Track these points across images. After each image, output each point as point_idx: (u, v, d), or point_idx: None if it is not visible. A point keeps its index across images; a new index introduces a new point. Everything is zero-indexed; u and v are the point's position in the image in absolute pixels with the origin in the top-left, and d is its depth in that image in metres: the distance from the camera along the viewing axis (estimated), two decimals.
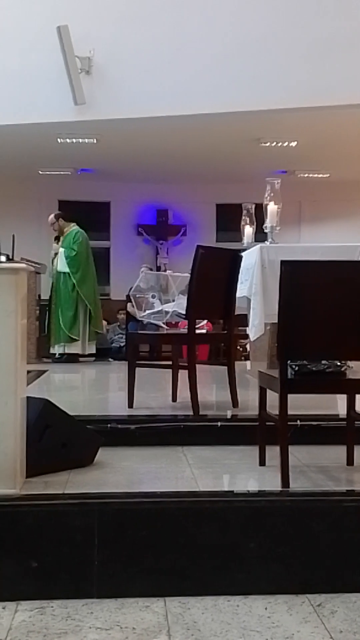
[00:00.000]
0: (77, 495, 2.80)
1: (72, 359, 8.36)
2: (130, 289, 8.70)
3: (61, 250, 8.53)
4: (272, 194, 5.68)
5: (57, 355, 8.43)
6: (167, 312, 6.43)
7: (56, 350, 8.46)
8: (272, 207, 5.64)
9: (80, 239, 8.52)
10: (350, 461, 3.33)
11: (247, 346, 7.88)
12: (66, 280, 8.46)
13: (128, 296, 10.22)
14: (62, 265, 8.48)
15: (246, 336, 7.28)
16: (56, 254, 8.61)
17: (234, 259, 4.50)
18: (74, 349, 8.42)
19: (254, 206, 6.38)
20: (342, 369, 3.09)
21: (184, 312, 4.31)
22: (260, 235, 6.08)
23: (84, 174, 12.14)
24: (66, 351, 8.40)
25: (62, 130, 9.14)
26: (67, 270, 8.43)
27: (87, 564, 2.57)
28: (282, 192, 5.72)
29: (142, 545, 2.60)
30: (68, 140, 9.63)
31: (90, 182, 12.43)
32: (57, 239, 8.77)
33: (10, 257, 2.90)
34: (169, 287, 6.96)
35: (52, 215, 8.83)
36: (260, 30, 7.78)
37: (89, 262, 8.57)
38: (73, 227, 8.63)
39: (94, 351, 8.63)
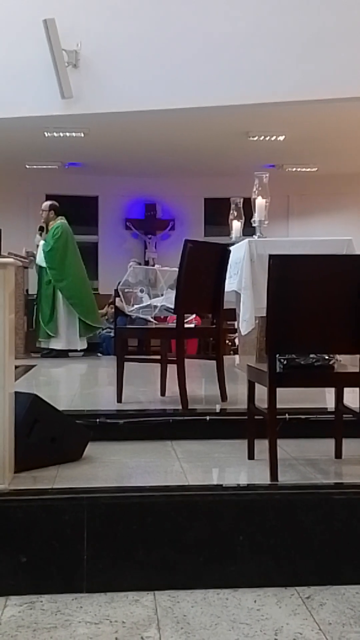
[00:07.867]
0: (66, 490, 2.80)
1: (61, 353, 8.33)
2: (119, 283, 8.67)
3: (41, 243, 8.49)
4: (260, 188, 5.68)
5: (45, 351, 8.40)
6: (155, 307, 6.43)
7: (42, 345, 8.43)
8: (260, 201, 5.64)
9: (59, 233, 8.41)
10: (338, 454, 3.35)
11: (236, 340, 7.88)
12: (43, 274, 8.44)
13: (116, 291, 10.20)
14: (40, 259, 8.46)
15: (235, 330, 7.30)
16: (37, 245, 8.57)
17: (223, 253, 4.50)
18: (57, 344, 8.37)
19: (242, 200, 6.37)
20: (331, 363, 3.10)
21: (172, 307, 4.31)
22: (248, 230, 6.08)
23: (71, 167, 12.10)
24: (49, 346, 8.36)
25: (50, 124, 9.09)
26: (44, 264, 8.40)
27: (76, 558, 2.57)
28: (270, 186, 5.72)
29: (131, 539, 2.60)
30: (55, 134, 9.58)
31: (78, 176, 12.38)
32: (41, 229, 8.70)
33: None
34: (157, 282, 6.95)
35: (47, 203, 8.77)
36: (249, 24, 7.78)
37: (67, 257, 8.42)
38: (58, 221, 8.57)
39: (85, 346, 8.58)
